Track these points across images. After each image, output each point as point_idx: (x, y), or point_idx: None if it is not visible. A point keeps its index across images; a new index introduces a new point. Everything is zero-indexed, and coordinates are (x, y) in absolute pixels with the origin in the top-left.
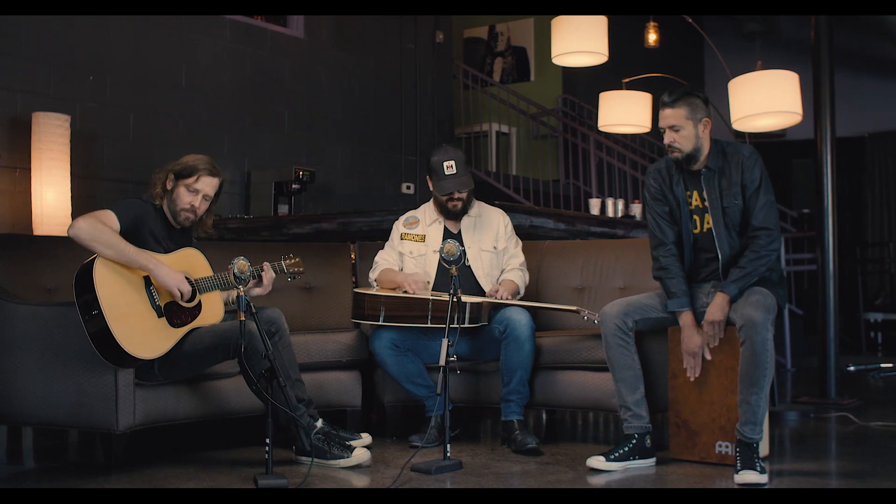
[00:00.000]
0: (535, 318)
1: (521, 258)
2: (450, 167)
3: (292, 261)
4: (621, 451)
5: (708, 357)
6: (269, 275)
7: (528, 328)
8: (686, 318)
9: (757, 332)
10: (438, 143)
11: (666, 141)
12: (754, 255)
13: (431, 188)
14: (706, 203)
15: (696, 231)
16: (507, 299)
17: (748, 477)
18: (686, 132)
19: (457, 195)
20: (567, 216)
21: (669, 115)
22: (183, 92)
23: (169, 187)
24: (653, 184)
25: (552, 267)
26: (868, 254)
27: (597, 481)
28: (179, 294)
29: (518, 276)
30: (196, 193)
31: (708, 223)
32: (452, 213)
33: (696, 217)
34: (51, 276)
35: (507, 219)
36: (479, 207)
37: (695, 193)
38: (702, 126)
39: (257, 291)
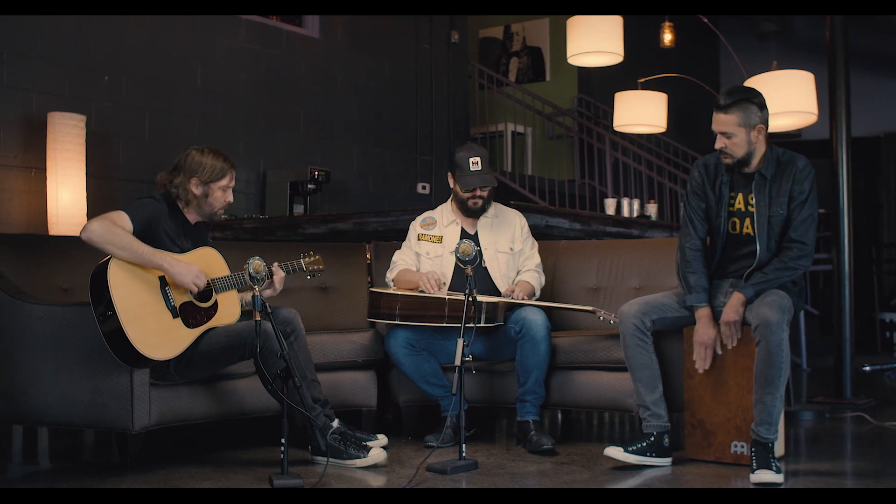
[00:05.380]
0: (550, 318)
1: (536, 260)
2: (475, 163)
3: (312, 258)
4: (639, 445)
5: (719, 351)
6: (279, 275)
7: (544, 328)
8: (703, 312)
9: (772, 332)
10: (462, 140)
11: (717, 146)
12: (781, 265)
13: (452, 184)
14: (751, 208)
15: (735, 232)
16: (522, 299)
17: (764, 476)
18: (738, 139)
19: (479, 192)
20: (582, 216)
21: (722, 121)
22: (198, 92)
23: (198, 193)
24: (696, 177)
25: (567, 267)
26: (884, 254)
27: (612, 481)
28: (197, 288)
29: (534, 277)
30: (229, 189)
31: (748, 227)
32: (472, 211)
33: (735, 219)
34: (66, 276)
35: (524, 220)
36: (496, 208)
37: (740, 196)
38: (755, 132)
39: (268, 293)
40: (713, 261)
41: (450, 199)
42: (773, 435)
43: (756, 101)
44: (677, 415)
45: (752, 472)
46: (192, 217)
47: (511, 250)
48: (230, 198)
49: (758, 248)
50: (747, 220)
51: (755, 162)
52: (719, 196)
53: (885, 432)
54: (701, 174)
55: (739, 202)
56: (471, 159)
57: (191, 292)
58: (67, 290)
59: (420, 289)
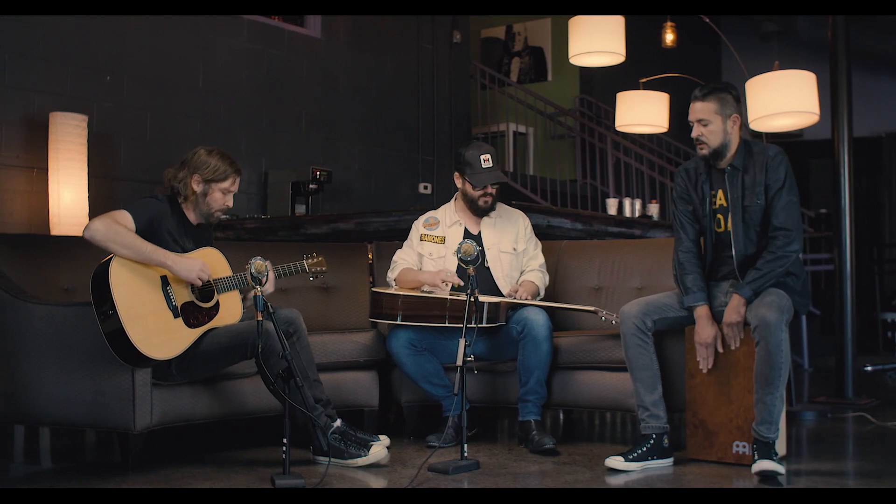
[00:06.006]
0: (552, 318)
1: (540, 260)
2: (486, 160)
3: (315, 260)
4: (639, 452)
5: (720, 350)
6: (271, 276)
7: (546, 328)
8: (701, 311)
9: (771, 333)
10: (465, 140)
11: (693, 134)
12: (771, 257)
13: (461, 184)
14: (729, 202)
15: (720, 230)
16: (525, 299)
17: (765, 465)
18: (714, 127)
19: (490, 189)
20: (584, 216)
21: (698, 109)
22: (200, 92)
23: (198, 190)
24: (680, 182)
25: (569, 267)
26: (885, 254)
27: (614, 481)
28: (201, 280)
29: (538, 277)
30: (230, 193)
31: (730, 223)
32: (482, 210)
33: (719, 216)
34: (68, 276)
35: (528, 220)
36: (500, 209)
37: (719, 192)
38: (731, 122)
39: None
40: (707, 263)
41: (453, 200)
42: (775, 434)
43: (732, 92)
44: (679, 415)
45: (754, 463)
46: (191, 216)
47: (514, 250)
48: (230, 202)
49: (732, 238)
50: (729, 215)
51: (729, 154)
52: (702, 196)
53: (886, 432)
54: (683, 179)
55: (720, 198)
56: (482, 157)
57: (194, 290)
58: (69, 290)
59: (427, 289)
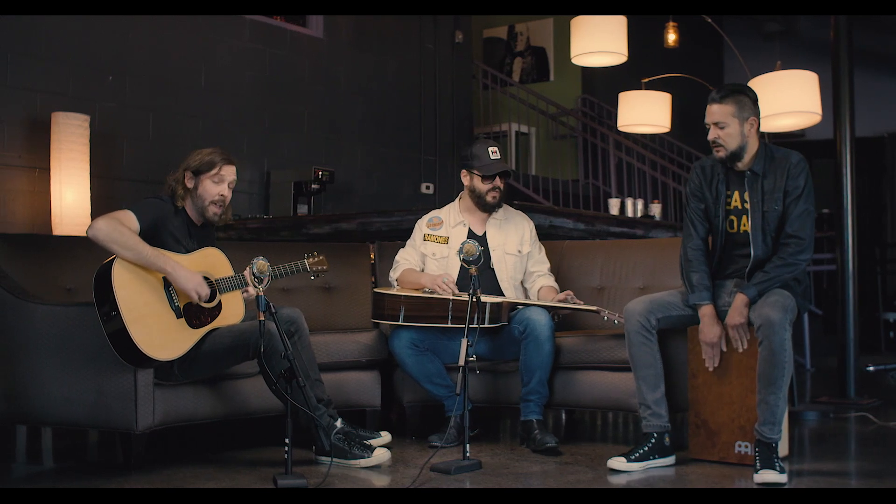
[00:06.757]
0: (554, 318)
1: (547, 263)
2: (494, 152)
3: (316, 259)
4: (641, 451)
5: (724, 349)
6: (249, 293)
7: (548, 328)
8: (706, 311)
9: (775, 333)
10: (468, 140)
11: (710, 137)
12: (780, 262)
13: (468, 181)
14: (746, 205)
15: (733, 231)
16: (575, 303)
17: (767, 476)
18: (731, 129)
19: (499, 182)
20: (586, 216)
21: (716, 112)
22: (202, 92)
23: (191, 185)
24: (694, 179)
25: (572, 267)
26: (887, 254)
27: (617, 481)
28: (198, 297)
29: (553, 281)
30: (222, 182)
31: (745, 225)
32: (489, 206)
33: (732, 217)
34: (70, 276)
35: (532, 224)
36: (505, 211)
37: (735, 193)
38: (748, 125)
39: (245, 295)
40: (714, 261)
41: (457, 200)
42: (777, 435)
43: (749, 94)
44: (681, 414)
45: (756, 472)
46: (194, 216)
47: (519, 252)
48: (224, 191)
49: (751, 242)
50: (744, 218)
51: (747, 157)
52: (716, 195)
53: (888, 432)
54: (698, 176)
55: (735, 200)
56: (489, 149)
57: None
58: (71, 291)
59: (429, 289)
